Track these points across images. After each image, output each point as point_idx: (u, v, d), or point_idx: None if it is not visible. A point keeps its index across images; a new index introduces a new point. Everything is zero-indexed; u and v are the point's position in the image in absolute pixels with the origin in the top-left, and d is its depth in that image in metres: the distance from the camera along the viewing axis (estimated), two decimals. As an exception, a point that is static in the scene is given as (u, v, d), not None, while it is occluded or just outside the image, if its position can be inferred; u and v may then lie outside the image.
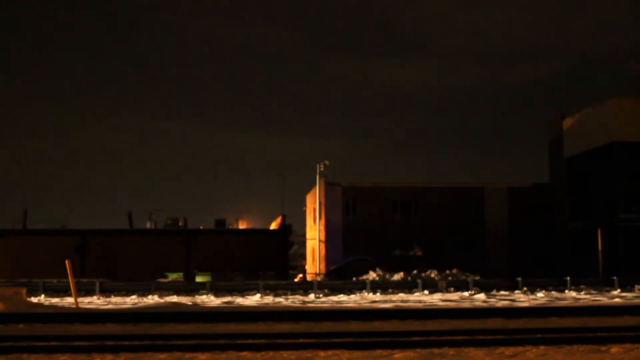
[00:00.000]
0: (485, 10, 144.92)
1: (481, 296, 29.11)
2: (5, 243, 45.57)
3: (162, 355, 10.60)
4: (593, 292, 32.73)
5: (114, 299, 29.90)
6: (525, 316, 15.84)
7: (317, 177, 50.79)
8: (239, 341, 11.65)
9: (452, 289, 34.08)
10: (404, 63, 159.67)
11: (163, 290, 33.57)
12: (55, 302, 26.51)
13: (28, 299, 23.81)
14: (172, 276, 42.15)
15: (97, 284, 33.60)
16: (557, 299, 27.68)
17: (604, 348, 11.21)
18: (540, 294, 30.92)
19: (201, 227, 50.46)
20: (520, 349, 11.17)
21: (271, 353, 10.80)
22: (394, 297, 29.66)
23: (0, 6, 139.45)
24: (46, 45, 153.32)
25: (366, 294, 32.46)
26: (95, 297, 31.34)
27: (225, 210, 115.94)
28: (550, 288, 34.23)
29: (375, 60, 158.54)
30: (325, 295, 32.26)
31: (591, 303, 23.28)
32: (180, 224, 49.32)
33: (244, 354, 10.78)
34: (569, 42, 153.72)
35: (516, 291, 33.23)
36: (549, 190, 50.14)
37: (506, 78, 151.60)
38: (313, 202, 53.54)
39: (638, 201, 42.02)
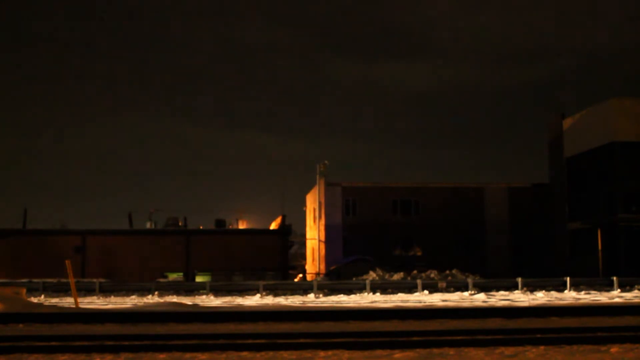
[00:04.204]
0: (486, 10, 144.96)
1: (481, 296, 29.10)
2: (5, 243, 45.58)
3: (162, 355, 10.58)
4: (593, 292, 32.72)
5: (114, 299, 29.90)
6: (525, 316, 15.81)
7: (317, 177, 50.81)
8: (239, 341, 11.63)
9: (452, 289, 34.07)
10: (404, 63, 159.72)
11: (163, 290, 33.56)
12: (55, 302, 26.48)
13: (28, 299, 23.80)
14: (172, 276, 42.20)
15: (97, 284, 33.60)
16: (557, 299, 27.67)
17: (603, 348, 11.19)
18: (540, 294, 30.90)
19: (201, 227, 50.46)
20: (520, 349, 11.15)
21: (271, 353, 10.79)
22: (394, 297, 29.65)
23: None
24: (46, 45, 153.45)
25: (366, 294, 32.45)
26: (95, 297, 31.34)
27: (225, 210, 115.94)
28: (550, 288, 34.21)
29: (375, 60, 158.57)
30: (325, 295, 32.25)
31: (591, 303, 23.25)
32: (180, 224, 49.34)
33: (244, 354, 10.77)
34: (568, 42, 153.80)
35: (516, 291, 33.21)
36: (548, 190, 50.13)
37: (506, 78, 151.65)
38: (313, 202, 53.54)
39: (638, 201, 42.00)
